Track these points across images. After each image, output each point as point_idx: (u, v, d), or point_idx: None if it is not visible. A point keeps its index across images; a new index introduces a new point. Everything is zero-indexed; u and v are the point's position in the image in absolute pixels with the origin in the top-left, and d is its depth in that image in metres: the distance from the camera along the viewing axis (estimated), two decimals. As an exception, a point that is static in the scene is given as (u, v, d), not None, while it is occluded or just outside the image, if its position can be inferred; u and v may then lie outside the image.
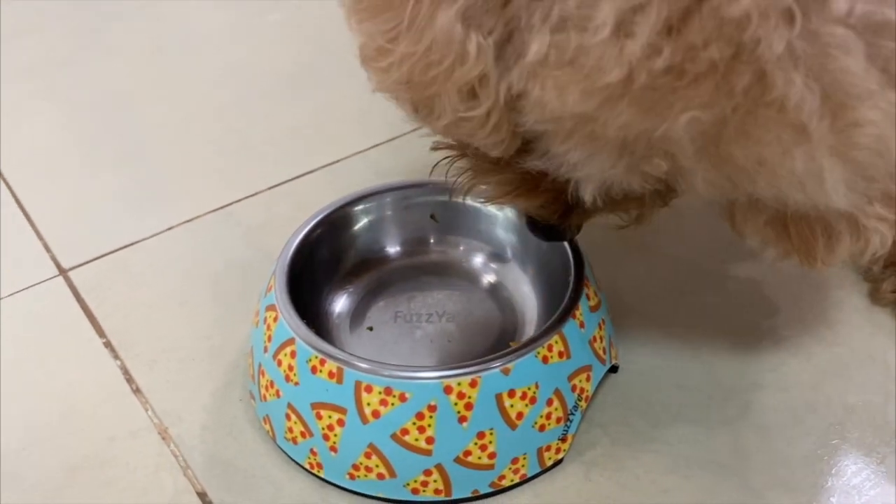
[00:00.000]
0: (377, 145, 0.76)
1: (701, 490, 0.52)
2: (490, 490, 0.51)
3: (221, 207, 0.71)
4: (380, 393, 0.49)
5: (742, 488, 0.52)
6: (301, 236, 0.56)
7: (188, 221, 0.69)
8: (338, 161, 0.75)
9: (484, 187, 0.49)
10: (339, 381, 0.49)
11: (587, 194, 0.42)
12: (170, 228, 0.69)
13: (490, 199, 0.50)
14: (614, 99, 0.35)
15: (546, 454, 0.52)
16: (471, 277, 0.61)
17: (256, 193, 0.72)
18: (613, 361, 0.57)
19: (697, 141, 0.36)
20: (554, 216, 0.49)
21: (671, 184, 0.42)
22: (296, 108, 0.80)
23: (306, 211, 0.59)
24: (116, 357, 0.60)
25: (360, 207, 0.59)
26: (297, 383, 0.51)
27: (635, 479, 0.52)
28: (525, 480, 0.52)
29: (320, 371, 0.50)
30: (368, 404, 0.49)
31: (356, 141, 0.76)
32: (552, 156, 0.40)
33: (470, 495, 0.51)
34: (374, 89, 0.44)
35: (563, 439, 0.52)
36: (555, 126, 0.38)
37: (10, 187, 0.72)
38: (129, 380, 0.58)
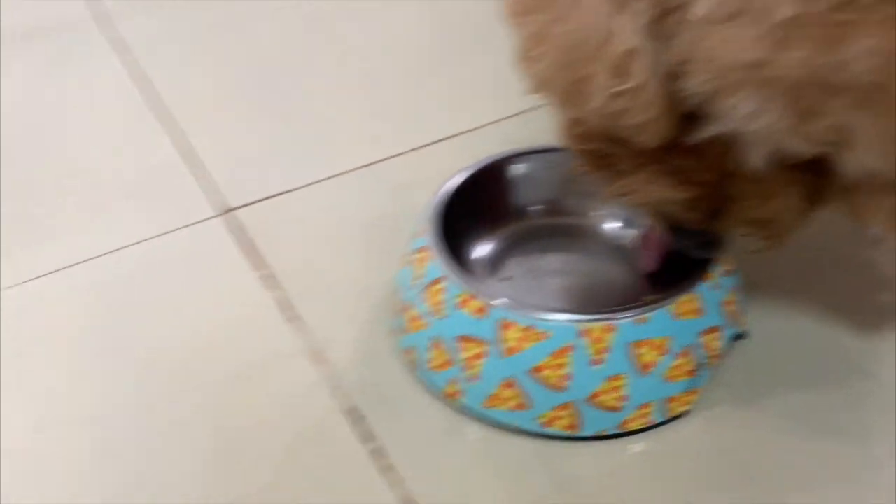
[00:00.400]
0: (510, 116, 0.79)
1: (822, 453, 0.54)
2: (616, 431, 0.54)
3: (369, 164, 0.76)
4: (521, 330, 0.53)
5: (864, 457, 0.53)
6: (454, 185, 0.60)
7: (341, 174, 0.75)
8: (474, 129, 0.79)
9: (630, 189, 0.50)
10: (484, 317, 0.53)
11: (757, 157, 0.43)
12: (325, 179, 0.74)
13: (639, 200, 0.50)
14: (786, 39, 0.37)
15: (672, 404, 0.55)
16: (605, 241, 0.64)
17: (401, 154, 0.77)
18: (743, 328, 0.59)
19: (875, 73, 0.38)
20: (702, 217, 0.50)
21: (832, 154, 0.42)
22: (438, 78, 0.84)
23: (444, 173, 0.62)
24: (276, 288, 0.65)
25: (509, 165, 0.63)
26: (444, 316, 0.55)
27: (758, 437, 0.54)
28: (650, 427, 0.55)
29: (466, 307, 0.54)
30: (509, 340, 0.53)
31: (492, 110, 0.80)
32: (722, 114, 0.42)
33: (596, 433, 0.54)
34: (528, 91, 0.46)
35: (691, 392, 0.55)
36: (723, 81, 0.40)
37: (182, 133, 0.79)
38: (287, 308, 0.64)
